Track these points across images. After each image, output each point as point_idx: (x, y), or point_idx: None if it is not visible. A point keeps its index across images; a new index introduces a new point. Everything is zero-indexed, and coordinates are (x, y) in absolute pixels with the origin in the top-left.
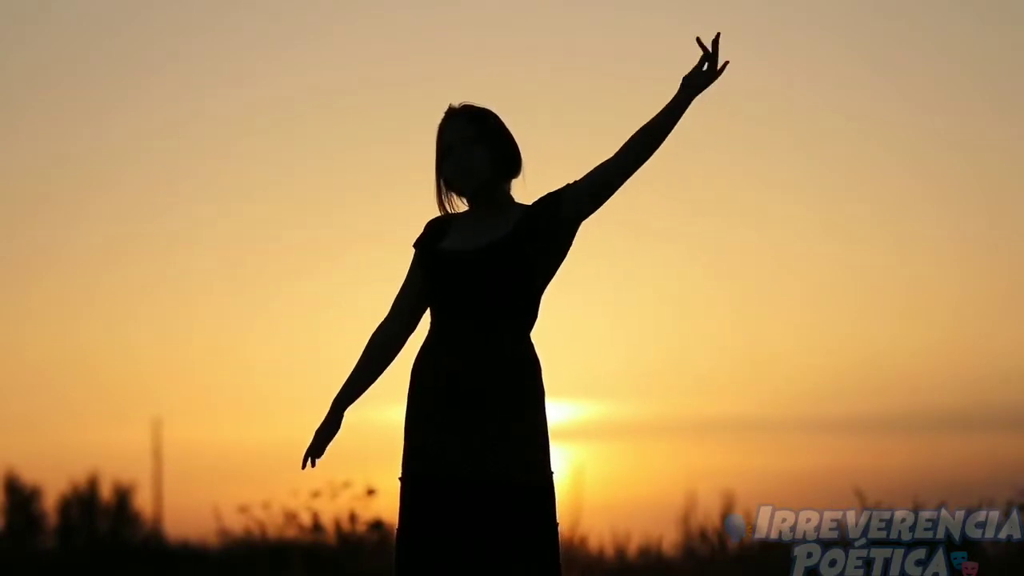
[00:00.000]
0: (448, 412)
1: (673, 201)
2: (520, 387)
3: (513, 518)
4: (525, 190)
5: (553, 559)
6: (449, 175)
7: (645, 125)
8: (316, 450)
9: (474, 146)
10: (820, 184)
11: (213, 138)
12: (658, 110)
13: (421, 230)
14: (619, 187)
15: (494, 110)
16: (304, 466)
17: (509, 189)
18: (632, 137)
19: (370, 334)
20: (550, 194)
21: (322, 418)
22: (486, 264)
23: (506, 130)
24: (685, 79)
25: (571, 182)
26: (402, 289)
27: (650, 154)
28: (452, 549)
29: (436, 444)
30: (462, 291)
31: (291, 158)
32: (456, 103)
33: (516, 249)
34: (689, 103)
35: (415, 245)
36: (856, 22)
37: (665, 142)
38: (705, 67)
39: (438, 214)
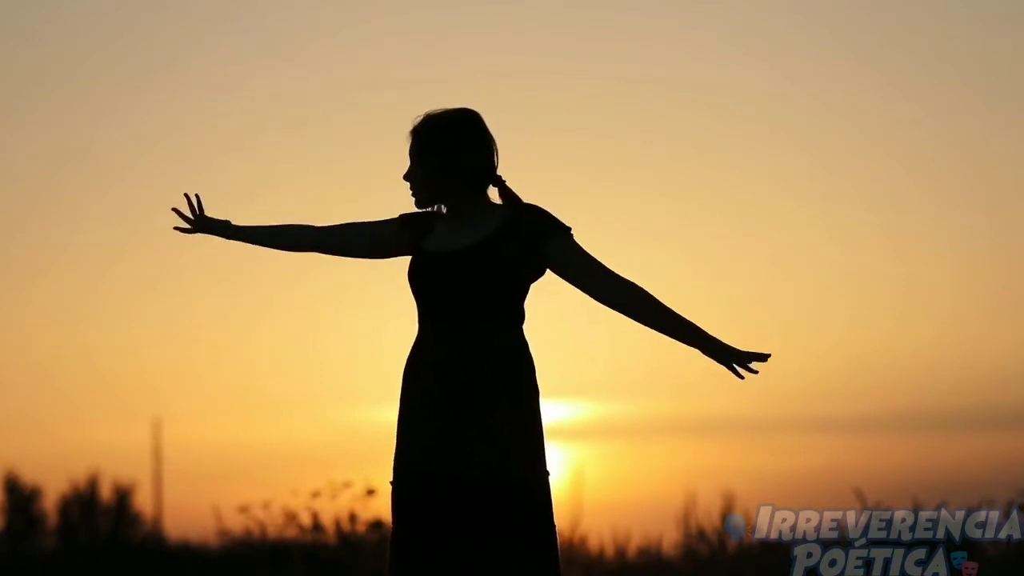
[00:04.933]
0: (442, 412)
1: (675, 200)
2: (512, 384)
3: (512, 516)
4: (521, 190)
5: (553, 558)
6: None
7: (663, 311)
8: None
9: (414, 166)
10: (821, 183)
11: (214, 138)
12: (673, 318)
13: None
14: (591, 296)
15: (488, 110)
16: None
17: (480, 197)
18: (649, 303)
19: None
20: (552, 223)
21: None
22: (462, 267)
23: (441, 145)
24: (716, 348)
25: (575, 241)
26: (353, 223)
27: (638, 320)
28: (450, 550)
29: (433, 444)
30: (443, 292)
31: (292, 158)
32: (423, 114)
33: (490, 253)
34: (701, 349)
35: (404, 224)
36: (856, 22)
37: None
38: (732, 360)
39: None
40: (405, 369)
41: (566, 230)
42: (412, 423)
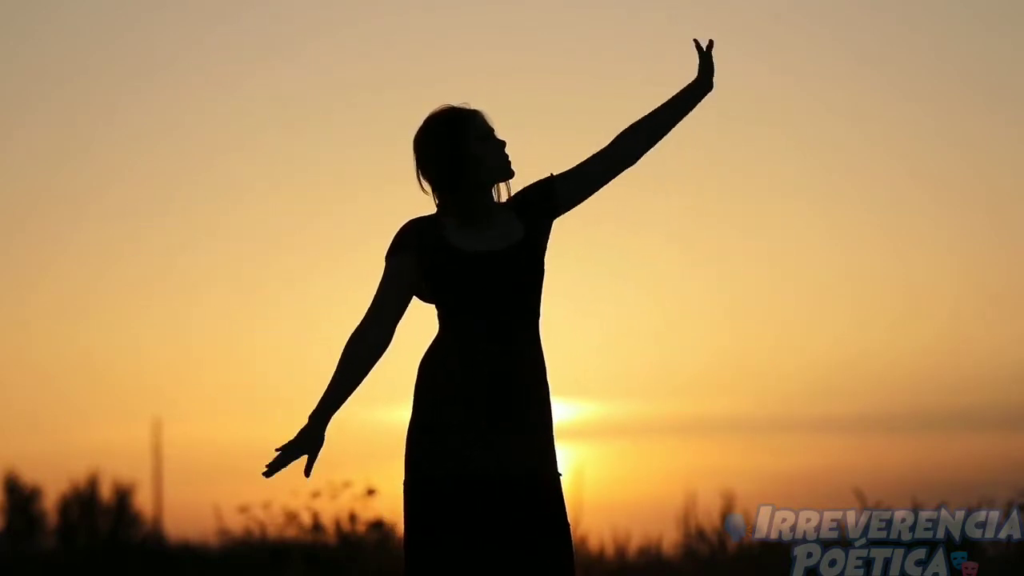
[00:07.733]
0: (469, 411)
1: (675, 200)
2: (538, 384)
3: (533, 515)
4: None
5: (570, 557)
6: (493, 162)
7: (649, 117)
8: (280, 464)
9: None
10: (821, 183)
11: (214, 138)
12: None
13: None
14: (608, 182)
15: (488, 110)
16: (270, 473)
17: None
18: (634, 131)
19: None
20: (540, 184)
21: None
22: (520, 263)
23: None
24: (698, 81)
25: (557, 173)
26: (383, 298)
27: (651, 147)
28: (471, 549)
29: (457, 444)
30: (494, 291)
31: (293, 158)
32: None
33: (539, 247)
34: (697, 100)
35: (405, 250)
36: (856, 22)
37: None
38: (699, 71)
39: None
40: (433, 367)
41: (552, 180)
42: (423, 426)
